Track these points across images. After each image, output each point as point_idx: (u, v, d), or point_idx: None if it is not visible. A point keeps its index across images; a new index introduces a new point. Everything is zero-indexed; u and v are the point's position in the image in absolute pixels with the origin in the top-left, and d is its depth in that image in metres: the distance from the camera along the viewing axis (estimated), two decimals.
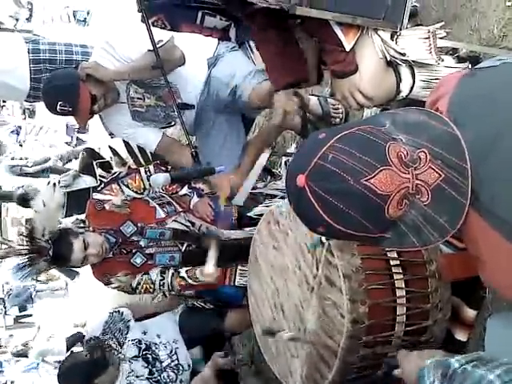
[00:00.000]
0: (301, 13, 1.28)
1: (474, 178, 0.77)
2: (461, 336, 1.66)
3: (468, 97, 0.84)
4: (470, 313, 1.66)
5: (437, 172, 0.75)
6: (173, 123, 2.40)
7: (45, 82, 2.27)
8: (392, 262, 1.57)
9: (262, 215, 2.58)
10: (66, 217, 5.75)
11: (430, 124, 0.78)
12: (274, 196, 2.76)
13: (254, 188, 2.75)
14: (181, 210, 2.48)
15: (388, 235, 0.77)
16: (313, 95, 2.49)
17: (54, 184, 2.58)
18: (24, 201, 5.37)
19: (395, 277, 1.56)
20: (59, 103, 2.11)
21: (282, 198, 2.79)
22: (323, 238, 1.53)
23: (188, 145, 2.00)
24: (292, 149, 2.83)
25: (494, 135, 0.77)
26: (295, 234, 1.74)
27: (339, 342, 1.50)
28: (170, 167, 2.48)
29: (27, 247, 2.25)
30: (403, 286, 1.56)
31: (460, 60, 1.65)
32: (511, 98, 0.80)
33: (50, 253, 2.24)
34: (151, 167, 2.44)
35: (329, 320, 1.55)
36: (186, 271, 2.42)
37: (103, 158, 5.34)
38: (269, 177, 2.88)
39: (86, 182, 5.62)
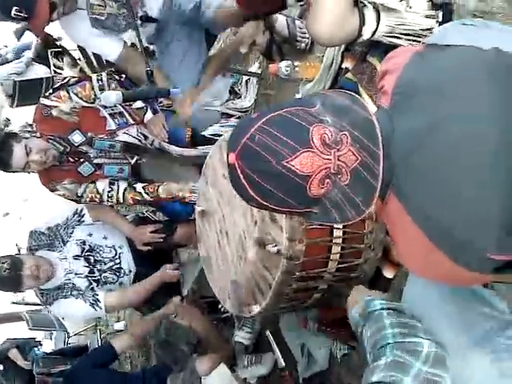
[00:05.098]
0: None
1: (401, 165, 0.80)
2: (388, 274, 1.79)
3: (414, 82, 0.84)
4: None
5: (355, 155, 0.78)
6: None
7: None
8: None
9: (216, 135, 2.58)
10: (16, 107, 5.49)
11: (353, 108, 0.80)
12: (231, 116, 2.73)
13: (210, 105, 2.71)
14: (133, 122, 2.42)
15: (315, 210, 0.81)
16: (281, 14, 2.38)
17: None
18: None
19: None
20: (14, 8, 1.91)
21: (239, 118, 2.76)
22: None
23: (145, 61, 1.90)
24: (254, 68, 2.74)
25: (428, 130, 0.79)
26: None
27: (274, 276, 1.58)
28: (123, 76, 2.37)
29: None
30: (341, 226, 1.63)
31: (433, 6, 1.59)
32: (456, 92, 0.80)
33: None
34: (104, 75, 2.32)
35: (267, 253, 1.62)
36: (143, 187, 2.43)
37: (59, 47, 5.01)
38: (228, 95, 2.82)
39: (38, 72, 5.31)
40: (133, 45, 2.43)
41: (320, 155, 0.76)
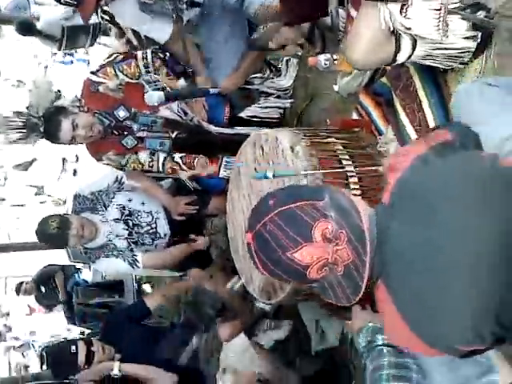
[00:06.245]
0: None
1: (392, 262, 0.91)
2: None
3: (410, 189, 0.93)
4: None
5: (348, 254, 0.90)
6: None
7: None
8: None
9: (254, 117, 2.67)
10: (63, 50, 5.61)
11: (352, 214, 0.91)
12: (270, 94, 2.78)
13: (250, 83, 2.77)
14: None
15: (315, 285, 0.95)
16: None
17: (46, 66, 2.56)
18: (25, 29, 5.17)
19: None
20: None
21: (278, 97, 2.82)
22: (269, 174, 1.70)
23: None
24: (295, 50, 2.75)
25: (415, 239, 0.89)
26: (275, 166, 1.86)
27: None
28: (167, 54, 2.45)
29: (20, 122, 2.33)
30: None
31: (473, 27, 1.59)
32: (448, 206, 0.88)
33: (41, 129, 2.34)
34: (149, 53, 2.41)
35: None
36: (181, 157, 2.57)
37: None
38: (268, 72, 2.85)
39: None
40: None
41: (319, 248, 0.89)
